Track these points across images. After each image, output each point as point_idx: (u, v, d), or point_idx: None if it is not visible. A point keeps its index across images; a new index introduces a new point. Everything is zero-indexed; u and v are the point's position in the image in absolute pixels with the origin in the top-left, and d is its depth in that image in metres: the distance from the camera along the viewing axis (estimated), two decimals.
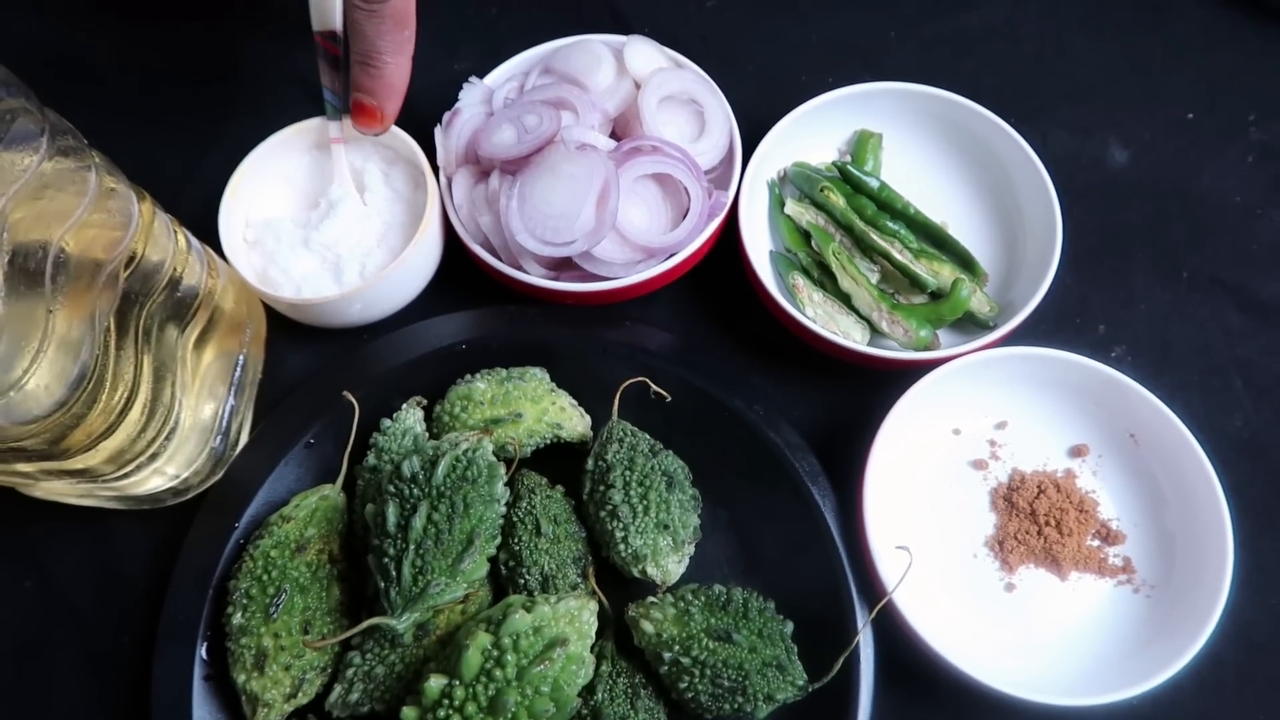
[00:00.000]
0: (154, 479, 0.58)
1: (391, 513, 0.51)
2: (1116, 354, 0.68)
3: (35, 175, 0.46)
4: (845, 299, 0.65)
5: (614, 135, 0.68)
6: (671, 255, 0.63)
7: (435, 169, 0.67)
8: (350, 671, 0.53)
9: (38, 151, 0.46)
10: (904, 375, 0.60)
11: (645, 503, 0.56)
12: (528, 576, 0.56)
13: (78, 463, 0.51)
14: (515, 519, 0.57)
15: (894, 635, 0.56)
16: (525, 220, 0.62)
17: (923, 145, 0.72)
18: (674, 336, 0.66)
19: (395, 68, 0.63)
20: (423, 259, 0.66)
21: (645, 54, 0.69)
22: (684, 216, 0.64)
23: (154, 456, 0.56)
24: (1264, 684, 0.59)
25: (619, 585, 0.58)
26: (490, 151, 0.65)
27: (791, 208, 0.69)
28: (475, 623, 0.50)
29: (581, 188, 0.61)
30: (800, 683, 0.53)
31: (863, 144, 0.71)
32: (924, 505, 0.62)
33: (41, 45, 0.81)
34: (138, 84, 0.80)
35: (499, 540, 0.54)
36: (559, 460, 0.62)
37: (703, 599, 0.54)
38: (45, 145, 0.46)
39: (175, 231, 0.58)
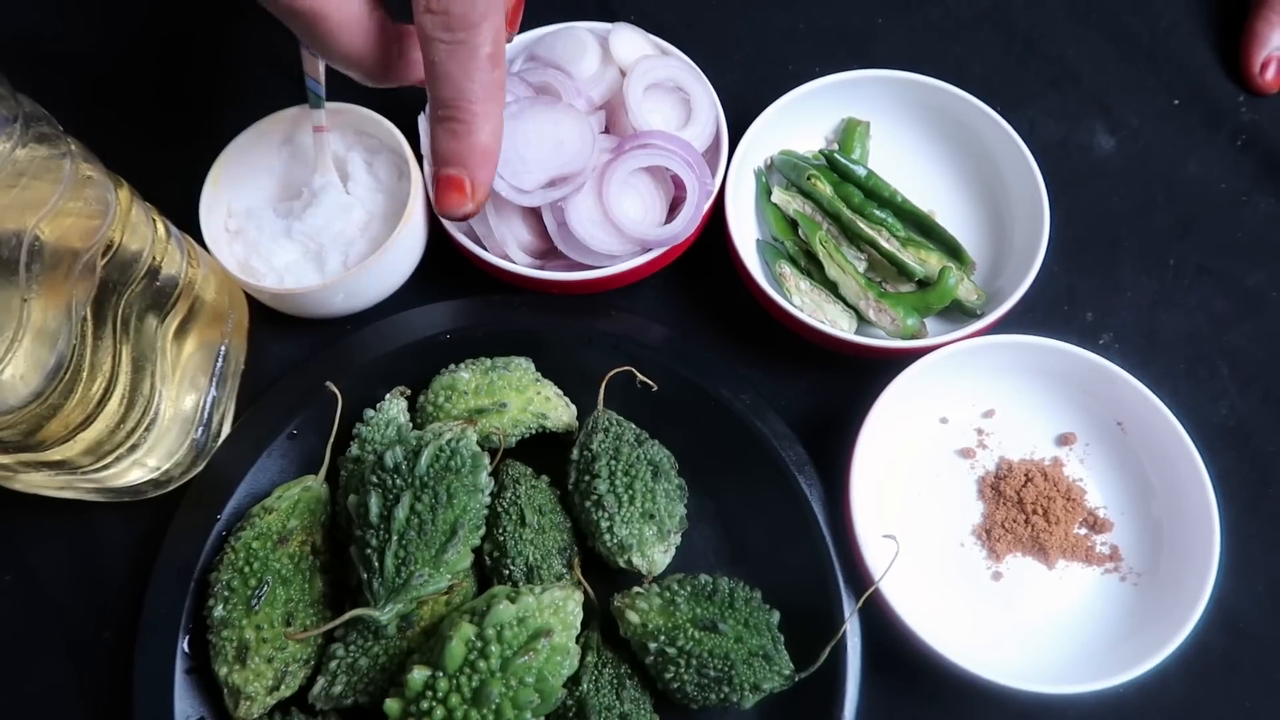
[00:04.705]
0: (134, 471, 0.57)
1: (374, 503, 0.51)
2: (1104, 342, 0.68)
3: (8, 162, 0.45)
4: (832, 287, 0.65)
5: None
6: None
7: (419, 157, 0.66)
8: (333, 664, 0.53)
9: (11, 138, 0.45)
10: (891, 364, 0.59)
11: (631, 492, 0.56)
12: (512, 567, 0.55)
13: (55, 454, 0.51)
14: (500, 509, 0.56)
15: (881, 624, 0.56)
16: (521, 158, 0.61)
17: (910, 133, 0.71)
18: (660, 325, 0.65)
19: (486, 120, 0.47)
20: (406, 248, 0.65)
21: (631, 41, 0.68)
22: (671, 204, 0.64)
23: (134, 448, 0.55)
24: (1250, 670, 0.59)
25: (605, 575, 0.58)
26: None
27: (778, 196, 0.68)
28: (459, 614, 0.50)
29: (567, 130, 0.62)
30: (787, 672, 0.53)
31: (850, 132, 0.70)
32: (911, 494, 0.62)
33: (19, 31, 0.80)
34: (118, 71, 0.79)
35: (483, 531, 0.54)
36: (544, 450, 0.61)
37: (689, 589, 0.54)
38: (19, 131, 0.45)
39: (154, 220, 0.57)
